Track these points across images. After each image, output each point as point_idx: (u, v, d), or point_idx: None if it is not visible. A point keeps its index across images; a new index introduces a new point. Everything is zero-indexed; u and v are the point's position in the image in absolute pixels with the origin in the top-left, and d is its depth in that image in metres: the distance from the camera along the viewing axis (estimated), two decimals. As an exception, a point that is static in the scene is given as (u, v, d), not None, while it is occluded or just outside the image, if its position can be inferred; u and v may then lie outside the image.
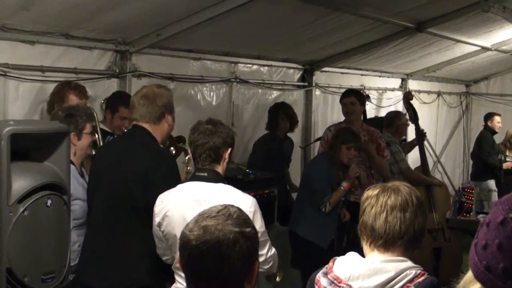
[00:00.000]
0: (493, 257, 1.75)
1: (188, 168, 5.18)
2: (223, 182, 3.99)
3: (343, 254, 2.88)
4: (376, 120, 9.59)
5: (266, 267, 4.08)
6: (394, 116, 8.44)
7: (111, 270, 4.11)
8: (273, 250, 4.11)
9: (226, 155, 4.02)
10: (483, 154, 11.48)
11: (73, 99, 5.24)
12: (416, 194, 2.85)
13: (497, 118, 11.73)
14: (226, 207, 2.38)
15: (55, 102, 5.20)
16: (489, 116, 11.85)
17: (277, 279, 4.57)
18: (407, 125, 8.43)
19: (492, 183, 11.46)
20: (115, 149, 4.48)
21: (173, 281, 4.08)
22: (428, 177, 8.24)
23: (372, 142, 7.23)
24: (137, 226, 4.13)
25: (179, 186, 4.11)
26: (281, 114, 7.84)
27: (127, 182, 4.12)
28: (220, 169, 4.01)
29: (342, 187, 6.31)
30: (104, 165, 4.37)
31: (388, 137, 7.89)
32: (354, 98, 7.40)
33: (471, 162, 13.60)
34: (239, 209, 2.40)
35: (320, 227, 6.41)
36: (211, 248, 2.24)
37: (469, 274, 1.85)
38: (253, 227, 2.36)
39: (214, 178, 3.95)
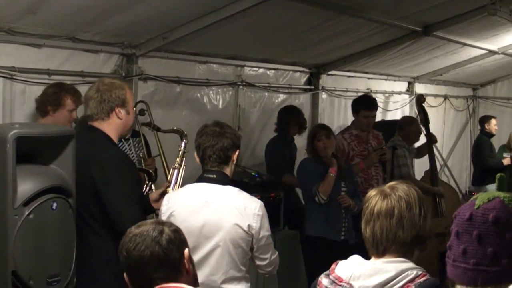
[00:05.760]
0: (478, 250, 1.81)
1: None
2: (232, 185, 4.00)
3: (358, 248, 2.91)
4: (386, 123, 9.59)
5: (268, 269, 4.14)
6: (406, 121, 8.45)
7: (78, 277, 3.86)
8: (276, 253, 4.14)
9: (234, 157, 4.04)
10: (483, 159, 11.37)
11: (69, 104, 5.22)
12: (409, 197, 2.79)
13: (493, 121, 11.62)
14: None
15: (48, 104, 5.18)
16: (485, 120, 11.71)
17: None
18: (419, 133, 8.37)
19: (492, 188, 11.28)
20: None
21: None
22: (436, 181, 8.22)
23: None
24: (98, 230, 4.06)
25: (187, 187, 4.13)
26: (292, 120, 7.85)
27: (79, 191, 3.94)
28: (228, 171, 4.03)
29: (329, 174, 6.34)
30: None
31: (398, 141, 7.93)
32: (376, 111, 7.58)
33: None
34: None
35: (327, 220, 6.42)
36: (141, 236, 2.67)
37: None
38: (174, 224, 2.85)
39: (223, 180, 3.97)
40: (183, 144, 5.06)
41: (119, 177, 4.08)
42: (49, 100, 5.18)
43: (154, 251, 2.64)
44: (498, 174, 1.86)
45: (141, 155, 5.66)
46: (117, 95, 4.21)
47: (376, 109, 7.66)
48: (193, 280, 2.76)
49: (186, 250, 2.74)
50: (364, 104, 7.50)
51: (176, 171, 4.95)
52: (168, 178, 4.96)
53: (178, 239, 2.73)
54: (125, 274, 2.75)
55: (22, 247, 3.29)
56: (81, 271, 3.95)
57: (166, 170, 5.45)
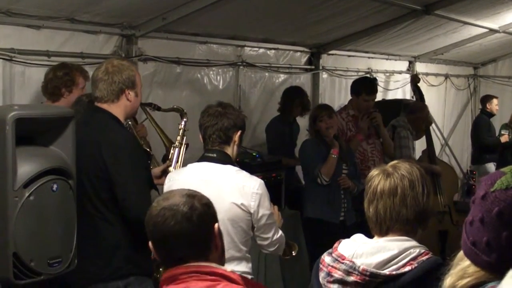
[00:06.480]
0: (478, 232, 1.80)
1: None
2: (232, 164, 3.99)
3: (358, 229, 2.92)
4: (387, 102, 9.55)
5: (271, 249, 4.12)
6: (419, 106, 8.32)
7: (86, 262, 3.88)
8: (280, 233, 4.12)
9: (236, 137, 4.02)
10: (481, 137, 11.40)
11: (81, 82, 5.20)
12: (411, 176, 2.79)
13: (495, 101, 11.64)
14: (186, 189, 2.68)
15: (63, 86, 5.12)
16: (487, 99, 11.72)
17: (293, 253, 4.55)
18: (427, 121, 8.31)
19: (490, 166, 11.35)
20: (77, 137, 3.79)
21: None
22: (434, 160, 8.21)
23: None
24: (107, 214, 4.01)
25: (189, 166, 4.14)
26: (296, 101, 7.83)
27: (90, 177, 3.97)
28: (229, 151, 4.02)
29: (331, 155, 6.34)
30: None
31: (403, 122, 7.87)
32: (376, 94, 7.54)
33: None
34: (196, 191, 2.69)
35: (326, 201, 6.43)
36: (171, 210, 2.50)
37: (461, 252, 1.87)
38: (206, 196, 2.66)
39: (223, 159, 3.97)
40: (183, 123, 5.03)
41: (131, 163, 4.01)
42: (63, 82, 5.12)
43: (183, 228, 2.49)
44: None
45: (129, 122, 5.58)
46: (127, 77, 4.12)
47: (377, 92, 7.63)
48: (221, 255, 2.65)
49: (216, 225, 2.62)
50: (366, 88, 7.40)
51: (177, 149, 4.93)
52: (169, 157, 4.94)
53: (209, 214, 2.61)
54: (150, 243, 2.62)
55: (23, 229, 3.28)
56: (92, 256, 3.97)
57: (161, 136, 5.39)
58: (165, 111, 5.37)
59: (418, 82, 8.70)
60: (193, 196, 2.59)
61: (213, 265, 2.54)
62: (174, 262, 2.53)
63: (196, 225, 2.51)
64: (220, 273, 2.51)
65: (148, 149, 5.41)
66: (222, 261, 2.65)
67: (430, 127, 8.61)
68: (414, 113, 8.11)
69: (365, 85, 7.46)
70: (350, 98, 7.57)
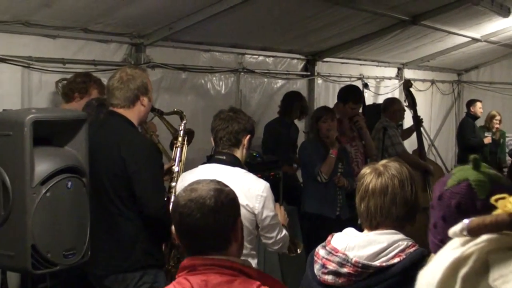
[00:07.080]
0: (443, 230, 1.81)
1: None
2: (241, 167, 3.98)
3: (351, 223, 2.92)
4: (374, 106, 9.57)
5: (275, 247, 4.10)
6: (389, 102, 8.39)
7: (107, 255, 3.97)
8: (283, 232, 4.09)
9: (245, 141, 4.01)
10: (465, 139, 11.40)
11: (95, 94, 5.19)
12: (401, 175, 2.79)
13: (479, 104, 11.61)
14: (214, 179, 2.58)
15: (77, 91, 5.14)
16: (471, 103, 11.72)
17: (298, 250, 4.54)
18: (403, 110, 8.35)
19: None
20: (92, 139, 3.82)
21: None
22: (424, 160, 8.23)
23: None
24: (125, 211, 4.01)
25: (201, 167, 4.13)
26: (296, 104, 7.83)
27: (110, 177, 3.98)
28: (238, 153, 4.01)
29: (331, 155, 6.34)
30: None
31: (385, 122, 7.89)
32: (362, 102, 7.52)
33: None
34: (223, 183, 2.58)
35: (323, 198, 6.44)
36: (198, 203, 2.40)
37: (431, 255, 1.88)
38: (232, 190, 2.57)
39: (232, 161, 3.95)
40: (182, 125, 5.04)
41: (148, 162, 4.01)
42: (77, 88, 5.13)
43: (209, 222, 2.40)
44: (472, 156, 1.84)
45: None
46: (141, 84, 4.12)
47: (363, 100, 7.65)
48: (240, 247, 2.57)
49: (239, 219, 2.54)
50: (354, 96, 7.30)
51: (179, 149, 4.93)
52: (172, 157, 4.96)
53: (234, 209, 2.52)
54: (174, 230, 2.54)
55: (40, 223, 3.31)
56: (113, 250, 4.02)
57: (167, 126, 5.39)
58: (167, 114, 5.40)
59: (411, 87, 8.66)
60: (220, 190, 2.49)
61: (232, 258, 2.48)
62: (195, 252, 2.47)
63: (221, 219, 2.43)
64: (238, 268, 2.45)
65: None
66: (240, 252, 2.58)
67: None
68: (387, 109, 8.15)
69: (353, 94, 7.34)
70: (336, 102, 7.54)
